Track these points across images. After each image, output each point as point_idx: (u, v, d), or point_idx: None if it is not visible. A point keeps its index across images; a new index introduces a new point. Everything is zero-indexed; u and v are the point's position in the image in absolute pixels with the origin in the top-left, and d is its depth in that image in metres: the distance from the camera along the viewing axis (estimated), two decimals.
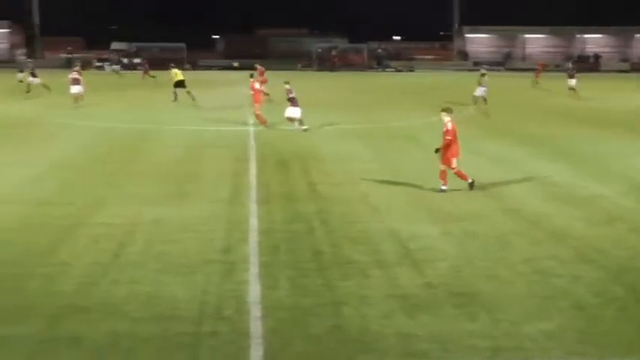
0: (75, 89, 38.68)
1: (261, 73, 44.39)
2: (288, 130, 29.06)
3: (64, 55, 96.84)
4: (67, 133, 29.17)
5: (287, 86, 29.78)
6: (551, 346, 8.91)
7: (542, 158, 23.22)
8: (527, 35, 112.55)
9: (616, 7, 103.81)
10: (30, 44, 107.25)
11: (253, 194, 17.46)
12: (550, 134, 29.29)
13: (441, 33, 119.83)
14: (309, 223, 14.69)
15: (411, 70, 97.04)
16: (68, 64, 71.65)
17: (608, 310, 10.10)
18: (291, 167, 21.30)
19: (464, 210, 15.88)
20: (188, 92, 41.84)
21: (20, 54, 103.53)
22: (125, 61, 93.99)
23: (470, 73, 40.07)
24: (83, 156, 23.29)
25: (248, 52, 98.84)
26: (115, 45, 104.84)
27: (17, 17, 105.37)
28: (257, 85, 31.54)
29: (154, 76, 61.82)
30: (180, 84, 42.92)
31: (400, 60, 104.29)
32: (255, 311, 9.86)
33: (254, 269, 11.69)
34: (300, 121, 29.32)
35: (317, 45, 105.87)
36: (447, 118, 17.62)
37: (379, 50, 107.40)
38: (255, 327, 9.36)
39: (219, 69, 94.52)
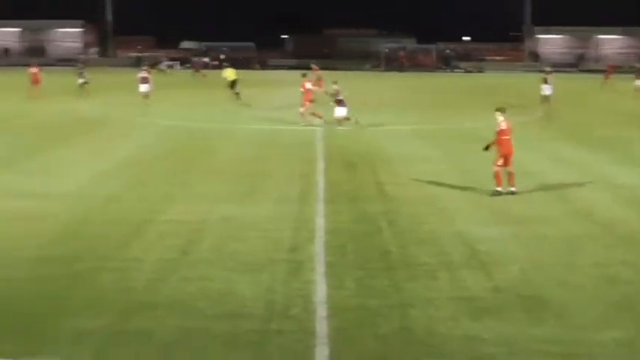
0: (143, 88, 39.55)
1: (316, 74, 44.57)
2: (353, 130, 29.08)
3: (133, 54, 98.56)
4: (136, 130, 29.78)
5: (335, 87, 30.04)
6: (623, 355, 8.74)
7: (611, 161, 22.76)
8: (600, 36, 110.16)
9: None
10: (102, 43, 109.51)
11: (321, 194, 17.53)
12: (620, 137, 28.64)
13: (511, 33, 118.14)
14: (377, 224, 14.68)
15: (481, 71, 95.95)
16: (138, 63, 72.95)
17: None
18: (359, 167, 21.30)
19: (532, 212, 15.68)
20: (237, 93, 42.33)
21: (92, 53, 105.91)
22: (195, 60, 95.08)
23: (541, 74, 39.46)
24: (152, 153, 23.71)
25: (316, 52, 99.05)
26: (184, 44, 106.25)
27: (91, 17, 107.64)
28: (308, 85, 31.66)
29: (204, 75, 62.83)
30: (232, 84, 43.36)
31: (470, 61, 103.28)
32: (322, 311, 9.90)
33: (320, 269, 11.74)
34: (349, 119, 29.55)
35: (385, 45, 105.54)
36: (500, 118, 17.47)
37: (447, 51, 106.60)
38: (321, 326, 9.39)
39: (287, 69, 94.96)
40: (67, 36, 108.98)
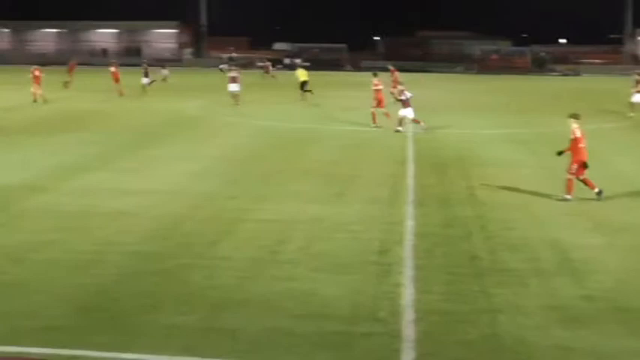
0: (232, 87, 40.21)
1: (393, 75, 44.45)
2: (440, 133, 28.84)
3: (225, 55, 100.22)
4: (227, 129, 30.22)
5: (401, 87, 29.77)
6: None
7: None
8: None
9: None
10: (197, 44, 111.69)
11: (410, 196, 17.42)
12: None
13: (610, 36, 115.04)
14: (467, 228, 14.51)
15: (577, 75, 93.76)
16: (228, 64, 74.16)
17: None
18: (449, 171, 21.08)
19: (629, 221, 15.20)
20: (306, 91, 42.69)
21: (187, 53, 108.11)
22: (287, 61, 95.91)
23: (633, 76, 38.15)
24: (243, 153, 24.00)
25: (408, 53, 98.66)
26: (277, 45, 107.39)
27: (187, 18, 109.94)
28: (378, 85, 31.43)
29: (273, 76, 63.48)
30: (302, 84, 43.51)
31: (566, 64, 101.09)
32: (409, 314, 9.85)
33: (409, 272, 11.67)
34: (414, 121, 29.30)
35: (478, 47, 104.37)
36: (574, 125, 17.02)
37: (542, 54, 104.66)
38: (409, 330, 9.34)
39: (379, 70, 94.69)
40: (163, 37, 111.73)
